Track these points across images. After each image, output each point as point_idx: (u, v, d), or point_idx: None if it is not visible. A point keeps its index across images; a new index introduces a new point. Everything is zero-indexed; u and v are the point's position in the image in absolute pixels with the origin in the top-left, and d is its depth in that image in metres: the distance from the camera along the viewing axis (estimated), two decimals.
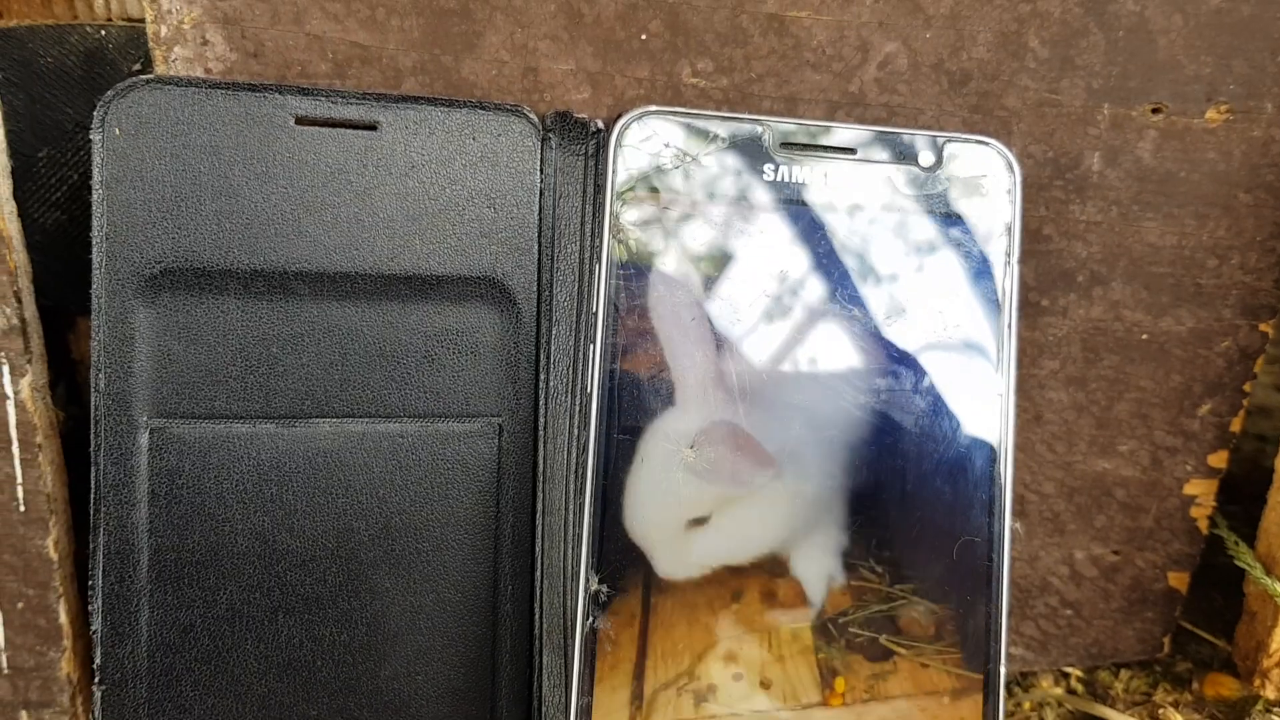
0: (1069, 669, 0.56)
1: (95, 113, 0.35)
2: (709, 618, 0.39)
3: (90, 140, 0.35)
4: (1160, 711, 0.54)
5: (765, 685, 0.40)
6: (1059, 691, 0.55)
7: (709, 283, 0.39)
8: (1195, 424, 0.51)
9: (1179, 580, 0.55)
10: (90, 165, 0.35)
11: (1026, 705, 0.54)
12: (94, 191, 0.35)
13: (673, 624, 0.39)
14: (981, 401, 0.41)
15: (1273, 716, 0.53)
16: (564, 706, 0.39)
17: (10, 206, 0.39)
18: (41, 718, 0.43)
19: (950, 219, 0.40)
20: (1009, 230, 0.41)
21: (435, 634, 0.39)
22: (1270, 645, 0.53)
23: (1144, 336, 0.49)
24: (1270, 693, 0.54)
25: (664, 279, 0.38)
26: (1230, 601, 0.58)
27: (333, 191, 0.37)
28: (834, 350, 0.40)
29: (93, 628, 0.36)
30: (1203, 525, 0.54)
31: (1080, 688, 0.56)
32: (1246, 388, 0.51)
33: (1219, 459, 0.52)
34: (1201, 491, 0.53)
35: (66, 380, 0.43)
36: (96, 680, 0.36)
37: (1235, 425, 0.51)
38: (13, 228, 0.39)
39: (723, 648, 0.39)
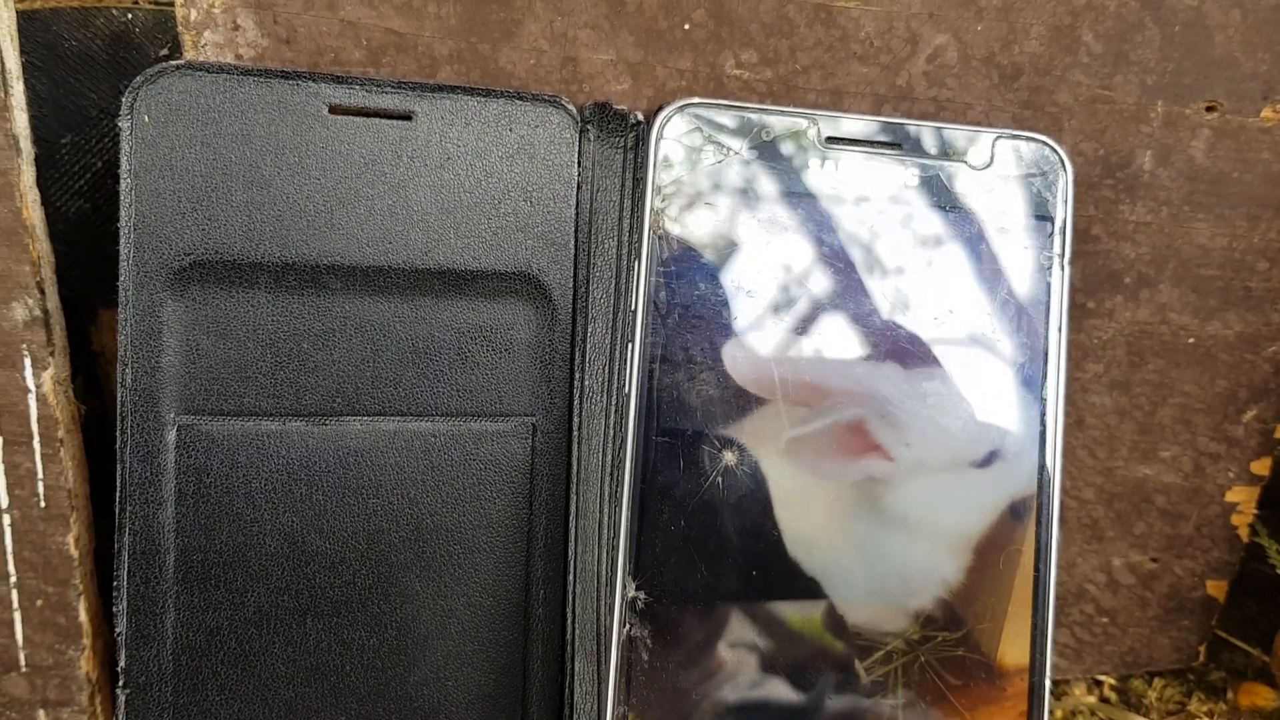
0: (1102, 677, 0.55)
1: (124, 99, 0.34)
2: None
3: (117, 127, 0.34)
4: None
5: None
6: (1092, 700, 0.55)
7: (750, 279, 0.38)
8: (1239, 430, 0.50)
9: (1217, 589, 0.54)
10: (115, 152, 0.34)
11: (1059, 713, 0.54)
12: (122, 180, 0.34)
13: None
14: (1028, 404, 0.40)
15: None
16: (596, 715, 0.38)
17: (34, 194, 0.38)
18: (59, 716, 0.42)
19: (1000, 218, 0.39)
20: (1060, 230, 0.40)
21: (466, 638, 0.38)
22: None
23: (1190, 340, 0.48)
24: None
25: (705, 276, 0.37)
26: (1265, 610, 0.57)
27: (366, 183, 0.36)
28: (878, 349, 0.39)
29: (117, 630, 0.35)
30: (1243, 533, 0.53)
31: (1114, 696, 0.55)
32: None
33: (1262, 466, 0.51)
34: (1243, 499, 0.52)
35: (86, 373, 0.42)
36: (121, 684, 0.35)
37: (1279, 432, 0.50)
38: (36, 216, 0.38)
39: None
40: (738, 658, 0.38)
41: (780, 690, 0.39)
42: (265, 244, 0.35)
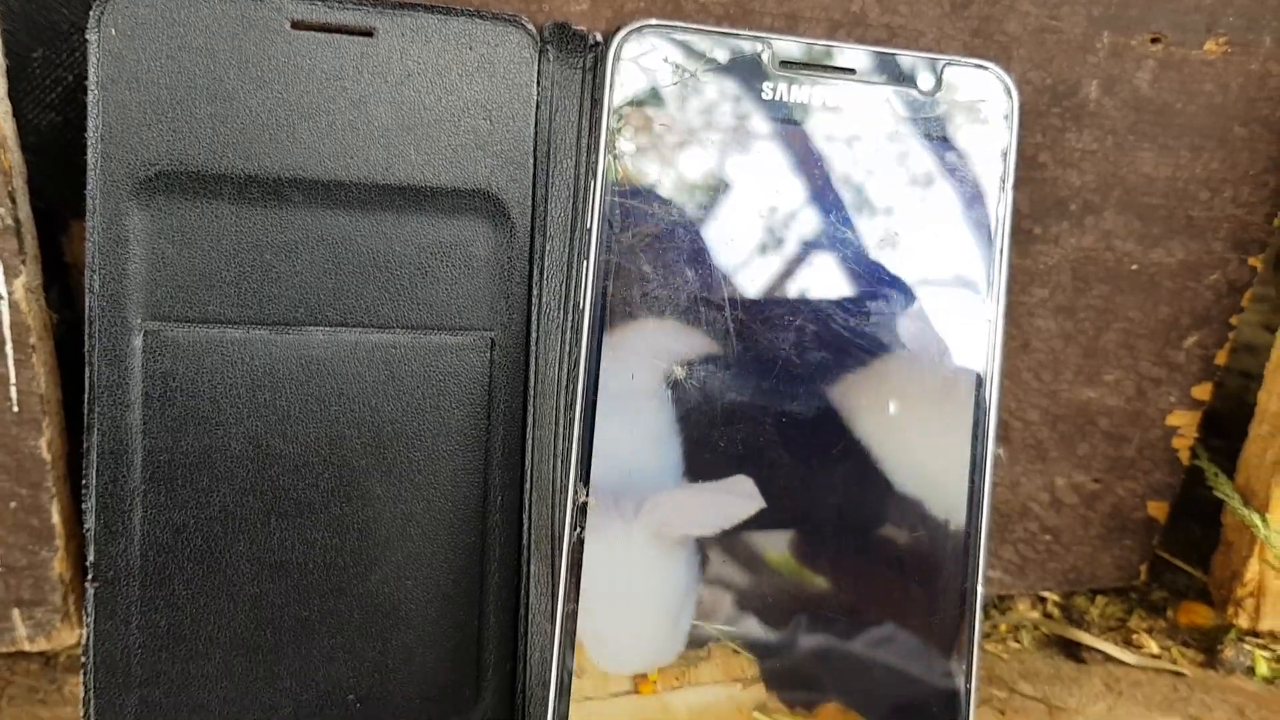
0: (1046, 593, 0.57)
1: (91, 12, 0.34)
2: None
3: (86, 41, 0.35)
4: (1134, 637, 0.55)
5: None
6: (1035, 615, 0.57)
7: (703, 201, 0.39)
8: (1180, 356, 0.52)
9: (1158, 509, 0.55)
10: (85, 67, 0.35)
11: (1003, 628, 0.56)
12: (89, 92, 0.35)
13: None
14: (970, 327, 0.41)
15: (1245, 645, 0.54)
16: (550, 613, 0.40)
17: (5, 107, 0.39)
18: (33, 615, 0.44)
19: (947, 143, 0.40)
20: (1005, 156, 0.41)
21: (425, 541, 0.40)
22: (1245, 575, 0.54)
23: (1134, 267, 0.49)
24: (1244, 621, 0.55)
25: (659, 197, 0.38)
26: (1207, 533, 0.59)
27: (328, 98, 0.37)
28: (825, 276, 0.40)
29: (86, 526, 0.36)
30: (1184, 456, 0.54)
31: (1056, 612, 0.57)
32: (1233, 321, 0.51)
33: (1203, 391, 0.53)
34: (1184, 422, 0.53)
35: (59, 284, 0.43)
36: (89, 577, 0.37)
37: (1220, 358, 0.52)
38: (7, 128, 0.39)
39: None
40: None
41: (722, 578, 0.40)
42: (228, 156, 0.36)
